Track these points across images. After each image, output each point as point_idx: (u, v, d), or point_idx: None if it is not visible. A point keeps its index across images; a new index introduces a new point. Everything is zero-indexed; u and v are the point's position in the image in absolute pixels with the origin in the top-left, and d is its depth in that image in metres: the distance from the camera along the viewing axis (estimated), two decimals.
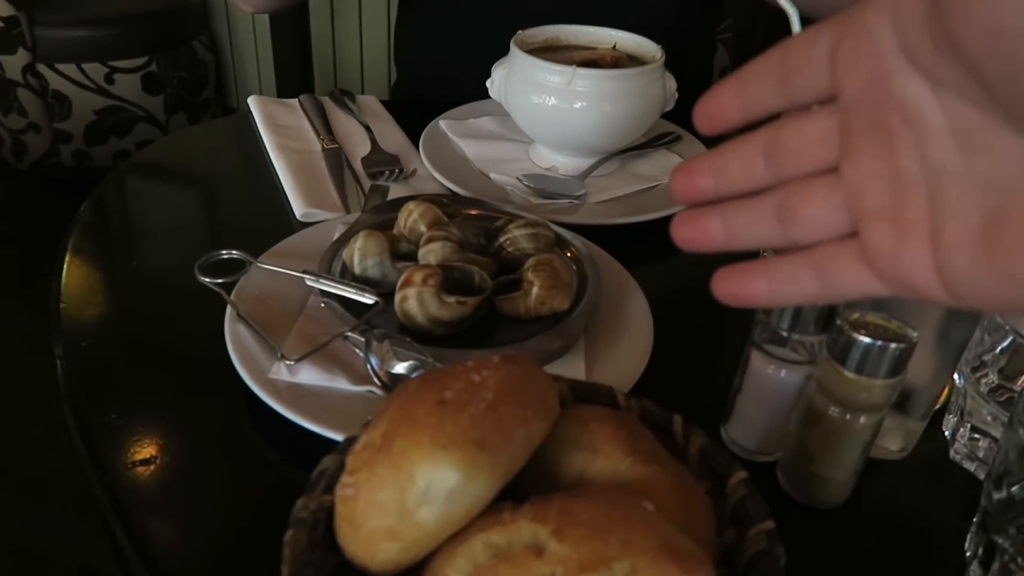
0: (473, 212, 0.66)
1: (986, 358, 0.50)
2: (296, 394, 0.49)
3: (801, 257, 0.28)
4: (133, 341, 0.58)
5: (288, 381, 0.50)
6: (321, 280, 0.55)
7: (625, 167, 0.83)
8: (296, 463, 0.47)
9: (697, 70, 1.10)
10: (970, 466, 0.51)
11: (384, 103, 0.95)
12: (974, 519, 0.45)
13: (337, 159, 0.80)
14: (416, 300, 0.52)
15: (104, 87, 2.32)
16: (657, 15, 0.97)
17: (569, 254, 0.62)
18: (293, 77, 2.54)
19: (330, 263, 0.58)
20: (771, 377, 0.47)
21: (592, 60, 0.80)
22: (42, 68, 2.25)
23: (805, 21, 0.63)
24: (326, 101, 0.93)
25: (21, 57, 2.22)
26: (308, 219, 0.71)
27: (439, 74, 1.05)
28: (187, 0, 2.51)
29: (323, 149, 0.82)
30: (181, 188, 0.83)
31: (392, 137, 0.87)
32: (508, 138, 0.86)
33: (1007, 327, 0.48)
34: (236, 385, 0.50)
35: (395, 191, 0.75)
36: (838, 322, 0.43)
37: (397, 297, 0.53)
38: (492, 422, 0.31)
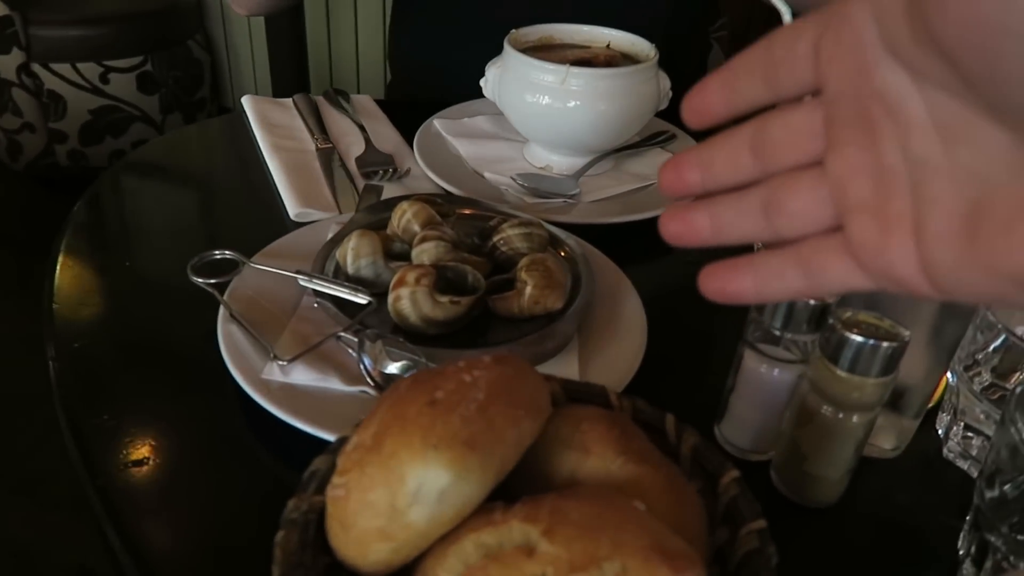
0: (467, 211, 0.66)
1: (979, 356, 0.50)
2: (289, 394, 0.49)
3: (786, 252, 0.28)
4: (126, 341, 0.58)
5: (281, 381, 0.50)
6: (314, 280, 0.55)
7: (619, 166, 0.83)
8: (288, 464, 0.47)
9: (692, 69, 1.10)
10: (963, 464, 0.51)
11: (379, 102, 0.95)
12: (967, 517, 0.45)
13: (330, 159, 0.80)
14: (409, 300, 0.52)
15: (99, 87, 2.32)
16: (651, 14, 0.97)
17: (563, 253, 0.62)
18: (289, 77, 2.54)
19: (323, 263, 0.58)
20: (764, 376, 0.47)
21: (586, 59, 0.80)
22: (37, 68, 2.25)
23: (798, 17, 0.63)
24: (320, 101, 0.93)
25: (15, 57, 2.21)
26: (301, 219, 0.71)
27: (433, 73, 1.05)
28: None
29: (317, 149, 0.82)
30: (174, 188, 0.82)
31: (386, 136, 0.87)
32: (502, 137, 0.86)
33: (1000, 325, 0.48)
34: (229, 385, 0.50)
35: (389, 191, 0.75)
36: (831, 321, 0.43)
37: (390, 297, 0.53)
38: (483, 422, 0.31)
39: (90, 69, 2.29)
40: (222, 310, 0.54)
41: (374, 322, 0.53)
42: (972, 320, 0.49)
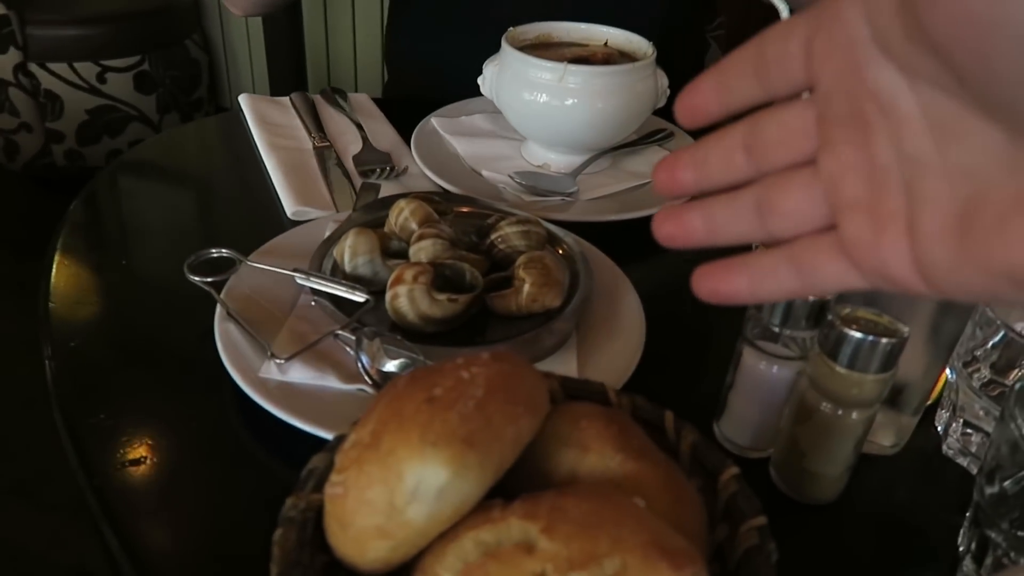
0: (464, 209, 0.66)
1: (978, 353, 0.50)
2: (286, 393, 0.49)
3: (780, 251, 0.28)
4: (122, 341, 0.58)
5: (278, 380, 0.50)
6: (311, 278, 0.55)
7: (617, 164, 0.83)
8: (286, 462, 0.47)
9: (689, 68, 1.10)
10: (963, 461, 0.51)
11: (376, 101, 0.95)
12: (967, 514, 0.45)
13: (328, 157, 0.80)
14: (407, 298, 0.52)
15: (96, 86, 2.31)
16: (648, 13, 0.97)
17: (561, 251, 0.62)
18: (286, 77, 2.53)
19: (320, 261, 0.58)
20: (763, 373, 0.47)
21: (583, 57, 0.80)
22: (34, 67, 2.24)
23: None
24: (317, 99, 0.92)
25: (12, 56, 2.21)
26: (299, 217, 0.71)
27: (431, 72, 1.05)
28: None
29: (314, 147, 0.82)
30: (171, 187, 0.82)
31: (384, 135, 0.86)
32: (500, 135, 0.86)
33: (999, 322, 0.48)
34: (226, 384, 0.50)
35: (386, 189, 0.75)
36: (829, 317, 0.43)
37: (388, 295, 0.52)
38: (481, 419, 0.31)
39: (87, 69, 2.29)
40: (219, 309, 0.54)
41: (372, 320, 0.53)
42: (971, 316, 0.49)
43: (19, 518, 1.47)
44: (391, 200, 0.63)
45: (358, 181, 0.77)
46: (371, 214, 0.64)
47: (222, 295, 0.55)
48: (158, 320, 0.60)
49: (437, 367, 0.34)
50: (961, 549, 0.45)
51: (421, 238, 0.57)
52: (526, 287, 0.54)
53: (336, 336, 0.52)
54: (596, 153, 0.81)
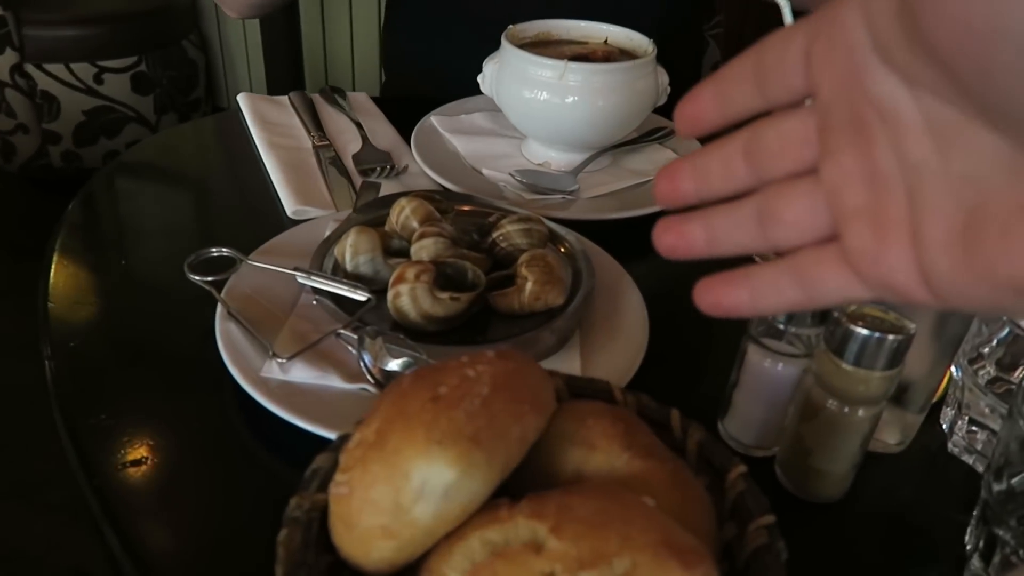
0: (465, 208, 0.66)
1: (984, 350, 0.49)
2: (288, 392, 0.48)
3: (782, 263, 0.28)
4: (122, 341, 0.58)
5: (280, 379, 0.49)
6: (313, 277, 0.55)
7: (618, 162, 0.83)
8: (289, 462, 0.47)
9: (688, 67, 1.10)
10: (968, 459, 0.51)
11: (375, 100, 0.94)
12: (974, 512, 0.45)
13: (327, 156, 0.79)
14: (409, 296, 0.51)
15: (93, 87, 2.31)
16: (646, 11, 0.97)
17: (563, 249, 0.62)
18: (284, 77, 2.53)
19: (321, 260, 0.58)
20: (768, 371, 0.47)
21: (584, 54, 0.80)
22: (30, 68, 2.23)
23: (798, 14, 0.62)
24: (316, 98, 0.92)
25: (9, 57, 2.20)
26: (299, 216, 0.70)
27: (429, 70, 1.05)
28: None
29: (313, 146, 0.82)
30: (170, 186, 0.82)
31: (383, 134, 0.86)
32: (500, 134, 0.86)
33: (1004, 318, 0.47)
34: (227, 384, 0.50)
35: (387, 188, 0.75)
36: (835, 314, 0.42)
37: (390, 294, 0.52)
38: (487, 417, 0.30)
39: (84, 69, 2.28)
40: (220, 308, 0.54)
41: (373, 319, 0.53)
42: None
43: (18, 520, 1.47)
44: (391, 199, 0.62)
45: (358, 180, 0.77)
46: (371, 213, 0.63)
47: (223, 294, 0.55)
48: (158, 320, 0.60)
49: (442, 365, 0.34)
50: (968, 547, 0.45)
51: (422, 236, 0.57)
52: (528, 285, 0.54)
53: (338, 335, 0.52)
54: (597, 151, 0.81)
